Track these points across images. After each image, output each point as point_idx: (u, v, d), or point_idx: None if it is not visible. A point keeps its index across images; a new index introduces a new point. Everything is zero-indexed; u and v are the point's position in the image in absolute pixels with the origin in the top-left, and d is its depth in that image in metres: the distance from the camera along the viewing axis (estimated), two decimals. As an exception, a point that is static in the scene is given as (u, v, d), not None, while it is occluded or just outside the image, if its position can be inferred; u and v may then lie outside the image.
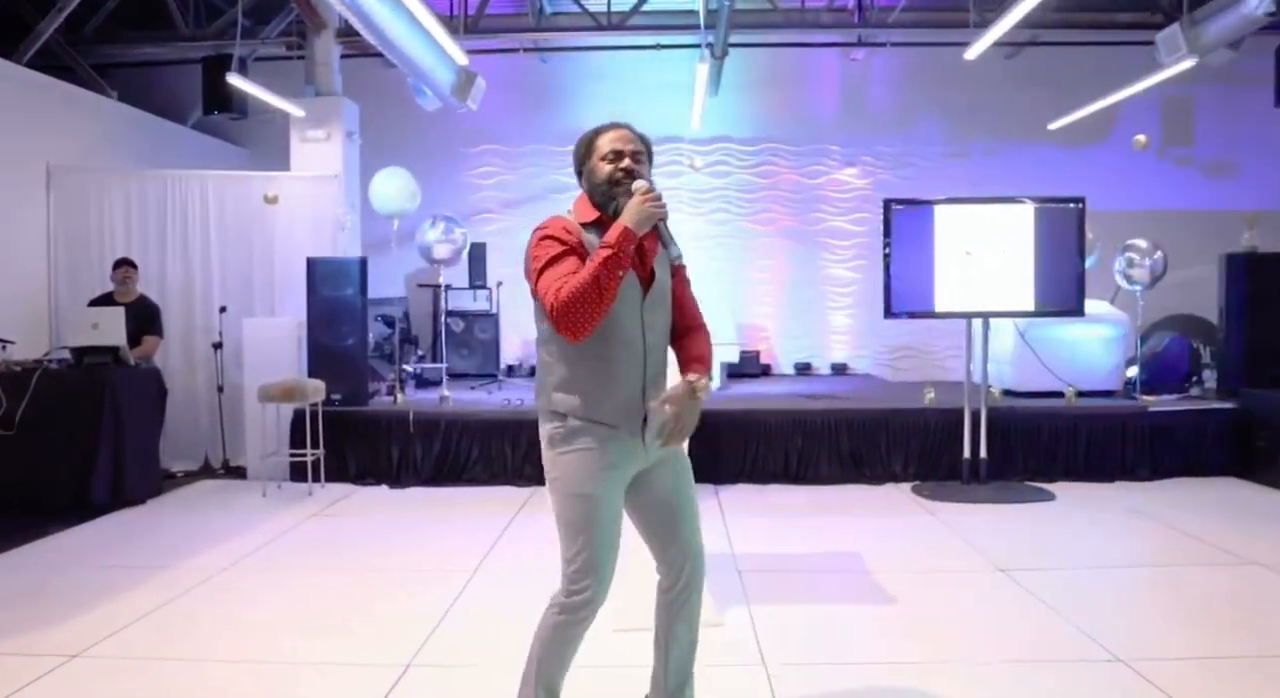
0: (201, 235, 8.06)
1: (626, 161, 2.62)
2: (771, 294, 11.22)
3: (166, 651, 3.80)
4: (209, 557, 5.19)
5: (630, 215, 2.49)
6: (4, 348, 6.54)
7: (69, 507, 6.07)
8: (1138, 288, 8.13)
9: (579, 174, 2.73)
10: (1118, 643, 3.75)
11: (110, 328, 6.53)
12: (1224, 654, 3.67)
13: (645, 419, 2.62)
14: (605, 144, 2.65)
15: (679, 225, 10.86)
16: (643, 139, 2.72)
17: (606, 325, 2.51)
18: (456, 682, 3.50)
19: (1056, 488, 6.80)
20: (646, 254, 2.63)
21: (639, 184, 2.55)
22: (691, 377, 2.59)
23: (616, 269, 2.44)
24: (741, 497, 6.75)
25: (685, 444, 2.74)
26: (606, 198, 2.61)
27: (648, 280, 2.63)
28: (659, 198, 2.52)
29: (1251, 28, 7.55)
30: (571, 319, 2.45)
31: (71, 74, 8.98)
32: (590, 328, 2.47)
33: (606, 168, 2.62)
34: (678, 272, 2.76)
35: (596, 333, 2.51)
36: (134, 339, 6.88)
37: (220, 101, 8.98)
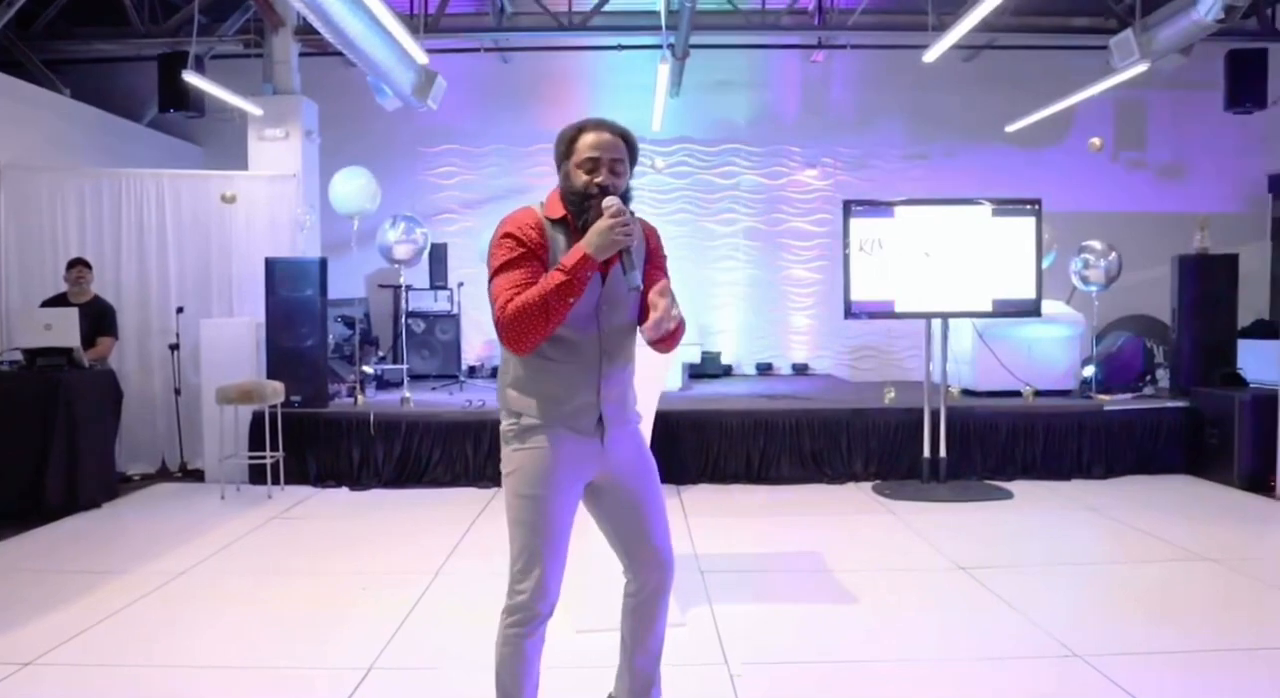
0: (158, 235, 7.95)
1: (602, 175, 2.49)
2: (733, 295, 11.26)
3: (123, 657, 3.75)
4: (166, 561, 5.12)
5: (593, 240, 2.39)
6: (-47, 350, 6.42)
7: (22, 511, 5.96)
8: (1093, 289, 8.25)
9: (558, 167, 2.62)
10: (1075, 639, 3.81)
11: (64, 329, 6.42)
12: (1179, 649, 3.73)
13: (601, 421, 2.56)
14: (584, 149, 2.52)
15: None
16: (626, 138, 2.58)
17: (565, 326, 2.47)
18: (419, 684, 3.49)
19: (1015, 486, 6.89)
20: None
21: (609, 203, 2.43)
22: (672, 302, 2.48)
23: (568, 295, 2.38)
24: (703, 497, 6.77)
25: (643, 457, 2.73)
26: (577, 208, 2.51)
27: (605, 278, 2.54)
28: (627, 224, 2.40)
29: (1202, 33, 7.68)
30: (515, 335, 2.41)
31: (23, 70, 8.81)
32: (533, 345, 2.44)
33: (582, 178, 2.51)
34: (653, 257, 2.67)
35: (556, 333, 2.48)
36: (88, 340, 6.78)
37: (177, 99, 8.86)
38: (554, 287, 2.38)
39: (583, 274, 2.39)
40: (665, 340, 2.57)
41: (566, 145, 2.56)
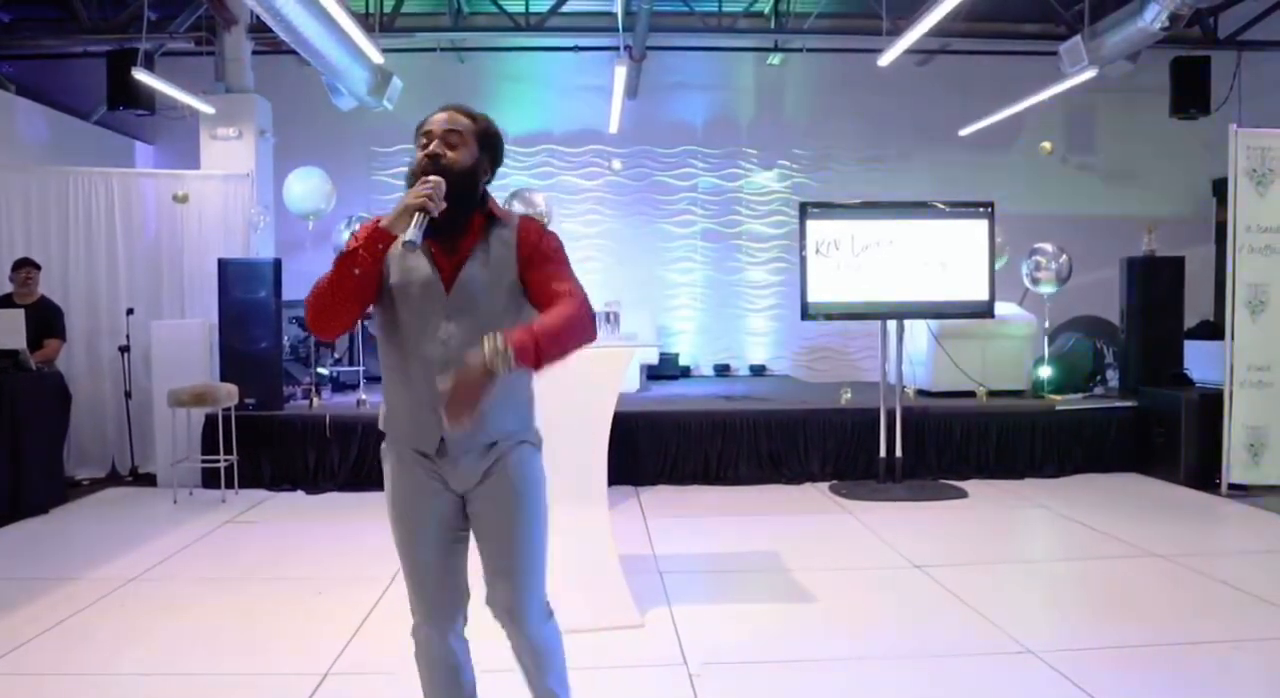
0: (107, 235, 7.81)
1: (435, 145, 2.27)
2: (691, 296, 11.30)
3: (71, 665, 3.68)
4: (116, 567, 5.03)
5: (393, 211, 2.20)
6: (-106, 352, 6.25)
7: (-35, 517, 5.84)
8: (1045, 290, 8.38)
9: None
10: (1028, 635, 3.86)
11: (9, 331, 6.28)
12: (1129, 644, 3.79)
13: (443, 440, 2.28)
14: (421, 128, 2.34)
15: (599, 226, 10.91)
16: (470, 115, 2.36)
17: (399, 334, 2.29)
18: (375, 691, 3.46)
19: (969, 485, 6.98)
20: (443, 254, 2.30)
21: (433, 178, 2.21)
22: (488, 342, 2.06)
23: (351, 267, 2.19)
24: (661, 498, 6.79)
25: (523, 473, 2.38)
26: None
27: (451, 281, 2.28)
28: (431, 185, 2.18)
29: (1149, 41, 7.84)
30: (311, 317, 2.26)
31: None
32: (328, 326, 2.28)
33: (416, 155, 2.30)
34: (533, 257, 2.34)
35: (390, 342, 2.32)
36: (34, 342, 6.63)
37: (126, 97, 8.69)
38: (337, 258, 2.23)
39: (370, 244, 2.19)
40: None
41: (415, 139, 2.37)
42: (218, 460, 6.84)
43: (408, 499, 2.37)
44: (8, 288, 7.09)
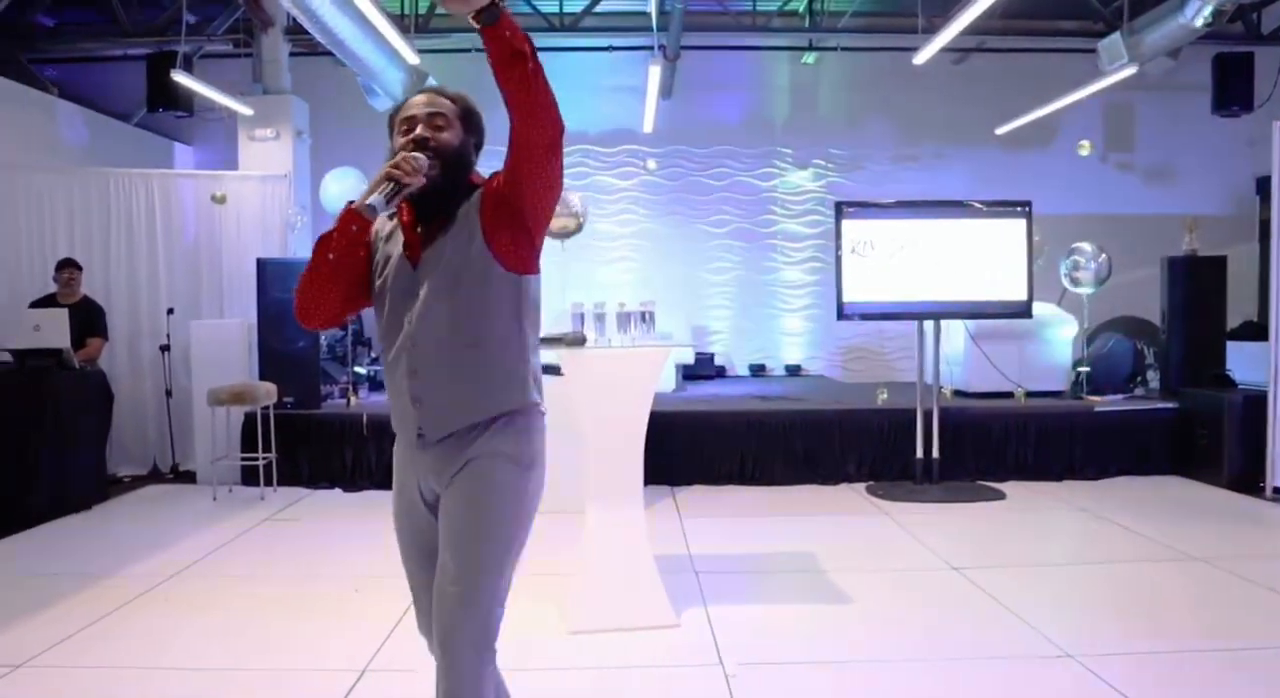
0: (147, 236, 7.92)
1: (419, 130, 2.17)
2: (726, 296, 11.27)
3: (114, 660, 3.73)
4: (158, 563, 5.10)
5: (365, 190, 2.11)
6: (-58, 351, 6.38)
7: (9, 514, 5.90)
8: (1084, 290, 8.28)
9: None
10: (1068, 639, 3.82)
11: (53, 330, 6.38)
12: (1170, 649, 3.74)
13: (421, 433, 2.19)
14: (400, 114, 2.23)
15: (633, 226, 10.91)
16: (452, 97, 2.26)
17: (382, 323, 2.22)
18: (414, 686, 3.47)
19: (1007, 487, 6.91)
20: (417, 235, 2.20)
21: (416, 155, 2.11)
22: None
23: (325, 251, 2.13)
24: (696, 497, 6.77)
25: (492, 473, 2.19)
26: None
27: (418, 257, 2.18)
28: (409, 158, 2.09)
29: (1190, 37, 7.74)
30: (296, 304, 2.20)
31: (8, 69, 8.76)
32: (310, 314, 2.20)
33: (399, 142, 2.19)
34: (495, 191, 2.17)
35: (380, 336, 2.25)
36: (78, 341, 6.74)
37: (166, 99, 8.82)
38: (316, 241, 2.18)
39: (344, 225, 2.12)
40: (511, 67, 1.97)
41: (389, 126, 2.28)
42: (256, 458, 6.91)
43: (397, 494, 2.32)
44: (51, 288, 7.20)
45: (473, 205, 2.18)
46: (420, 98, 2.23)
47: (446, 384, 2.16)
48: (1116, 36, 8.07)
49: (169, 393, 7.60)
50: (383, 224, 2.29)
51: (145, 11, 9.43)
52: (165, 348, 7.56)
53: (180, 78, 7.91)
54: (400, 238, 2.22)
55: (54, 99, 8.88)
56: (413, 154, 2.10)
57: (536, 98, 2.00)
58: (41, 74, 9.28)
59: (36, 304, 7.03)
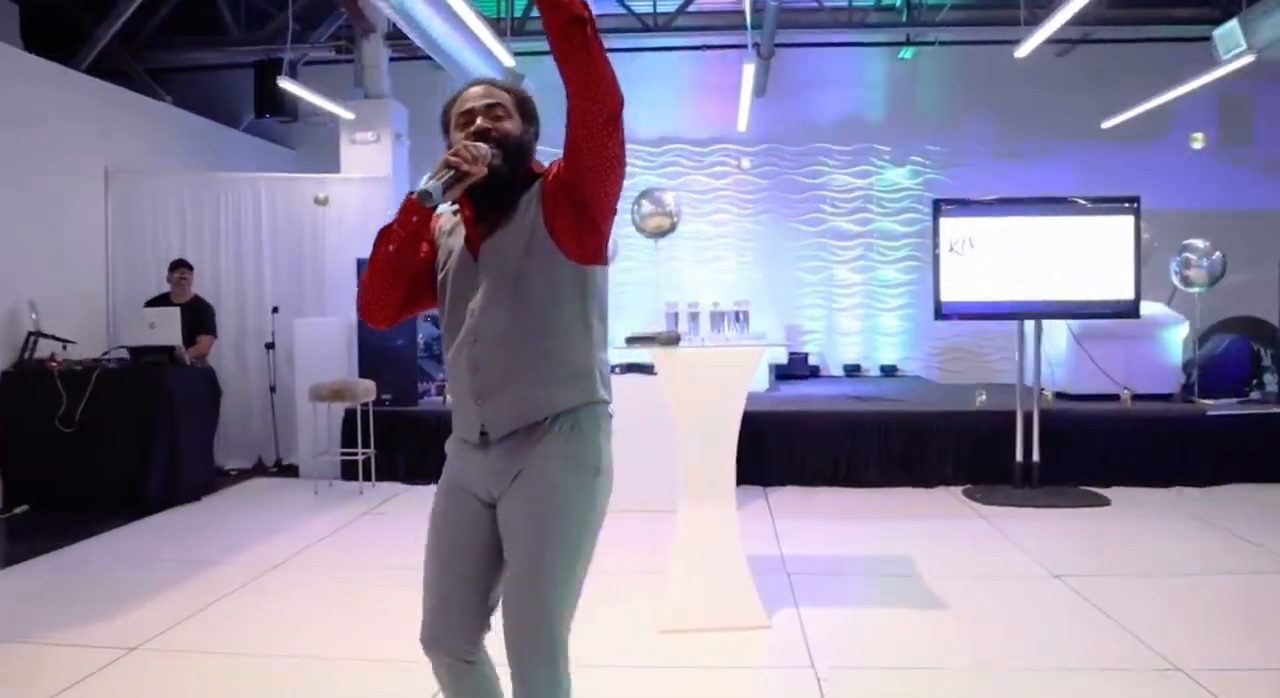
0: (254, 236, 8.17)
1: (479, 121, 2.11)
2: (820, 295, 11.16)
3: (222, 645, 3.86)
4: (262, 553, 5.27)
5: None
6: (64, 348, 6.67)
7: (125, 503, 6.18)
8: (1195, 289, 7.97)
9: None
10: (1177, 652, 3.67)
11: (166, 328, 6.64)
12: (1287, 664, 3.57)
13: (484, 431, 2.10)
14: (457, 108, 2.16)
15: (727, 225, 10.88)
16: (506, 88, 2.19)
17: (445, 319, 2.18)
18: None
19: (1111, 493, 6.68)
20: (478, 226, 2.14)
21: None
22: None
23: (385, 243, 2.09)
24: (789, 499, 6.71)
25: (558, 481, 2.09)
26: None
27: (479, 249, 2.12)
28: (472, 146, 2.02)
29: (1313, 22, 7.37)
30: (360, 301, 2.19)
31: (128, 79, 9.15)
32: (373, 311, 2.18)
33: (459, 136, 2.12)
34: (555, 179, 2.09)
35: (443, 329, 2.19)
36: (189, 339, 7.00)
37: (271, 105, 9.12)
38: (377, 235, 2.12)
39: (404, 218, 2.07)
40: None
41: (443, 121, 2.22)
42: (356, 454, 7.07)
43: (444, 495, 2.23)
44: (165, 287, 7.49)
45: (534, 194, 2.11)
46: (475, 90, 2.17)
47: (509, 379, 2.07)
48: (1233, 23, 7.74)
49: (273, 389, 7.84)
50: (446, 219, 2.25)
51: (253, 22, 9.77)
52: (270, 345, 7.80)
53: (286, 84, 8.16)
54: (462, 231, 2.16)
55: (168, 106, 9.23)
56: (474, 143, 2.03)
57: (596, 67, 1.90)
58: (156, 83, 9.65)
59: (151, 303, 7.32)
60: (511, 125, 2.13)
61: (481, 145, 2.03)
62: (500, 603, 2.12)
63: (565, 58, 1.90)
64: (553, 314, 2.09)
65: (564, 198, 2.07)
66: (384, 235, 2.09)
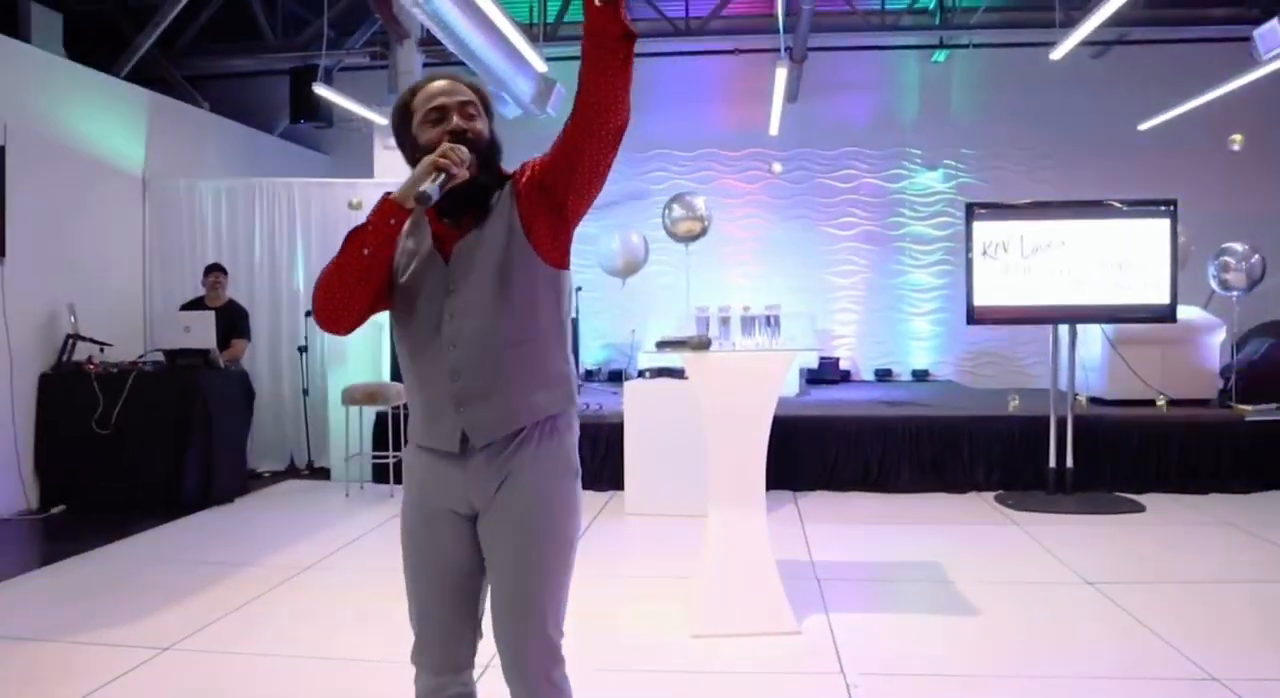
0: (288, 241, 8.25)
1: (455, 120, 2.03)
2: (852, 299, 11.11)
3: (254, 645, 3.89)
4: (294, 554, 5.31)
5: (405, 182, 1.97)
6: (102, 350, 6.78)
7: (160, 504, 6.26)
8: (1233, 293, 7.86)
9: (403, 154, 2.13)
10: (1213, 661, 3.61)
11: (201, 331, 6.72)
12: (1327, 675, 3.51)
13: (465, 437, 2.03)
14: (423, 103, 2.06)
15: (759, 229, 10.85)
16: (471, 84, 2.11)
17: (409, 324, 2.08)
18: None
19: (1146, 499, 6.60)
20: (445, 228, 2.08)
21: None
22: None
23: (359, 245, 1.96)
24: (820, 504, 6.68)
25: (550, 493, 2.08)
26: None
27: (450, 251, 2.05)
28: (456, 149, 1.95)
29: (1355, 22, 7.26)
30: (317, 306, 2.03)
31: (166, 85, 9.27)
32: (336, 317, 2.03)
33: (430, 132, 2.04)
34: (530, 179, 2.06)
35: (402, 339, 2.12)
36: (223, 342, 7.07)
37: (307, 111, 9.23)
38: (347, 236, 1.99)
39: (380, 219, 1.96)
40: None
41: (401, 114, 2.11)
42: (387, 457, 7.12)
43: (417, 513, 2.14)
44: (200, 291, 7.58)
45: (506, 196, 2.07)
46: (441, 84, 2.08)
47: (494, 385, 2.02)
48: (1274, 23, 7.62)
49: (306, 392, 7.90)
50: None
51: (289, 29, 9.87)
52: (303, 349, 7.87)
53: (321, 90, 8.23)
54: (426, 232, 2.08)
55: (205, 112, 9.35)
56: (457, 146, 1.97)
57: (624, 83, 1.90)
58: (194, 90, 9.78)
59: (186, 307, 7.42)
60: (482, 125, 2.08)
61: (463, 149, 1.97)
62: (493, 613, 2.10)
63: (601, 70, 1.88)
64: (534, 319, 2.05)
65: (541, 201, 2.05)
66: (356, 238, 1.98)
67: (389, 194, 1.97)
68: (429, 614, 2.14)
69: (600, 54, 1.86)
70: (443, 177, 1.91)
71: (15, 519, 6.22)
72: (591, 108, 1.90)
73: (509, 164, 2.16)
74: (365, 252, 1.95)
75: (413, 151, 2.06)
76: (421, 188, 1.89)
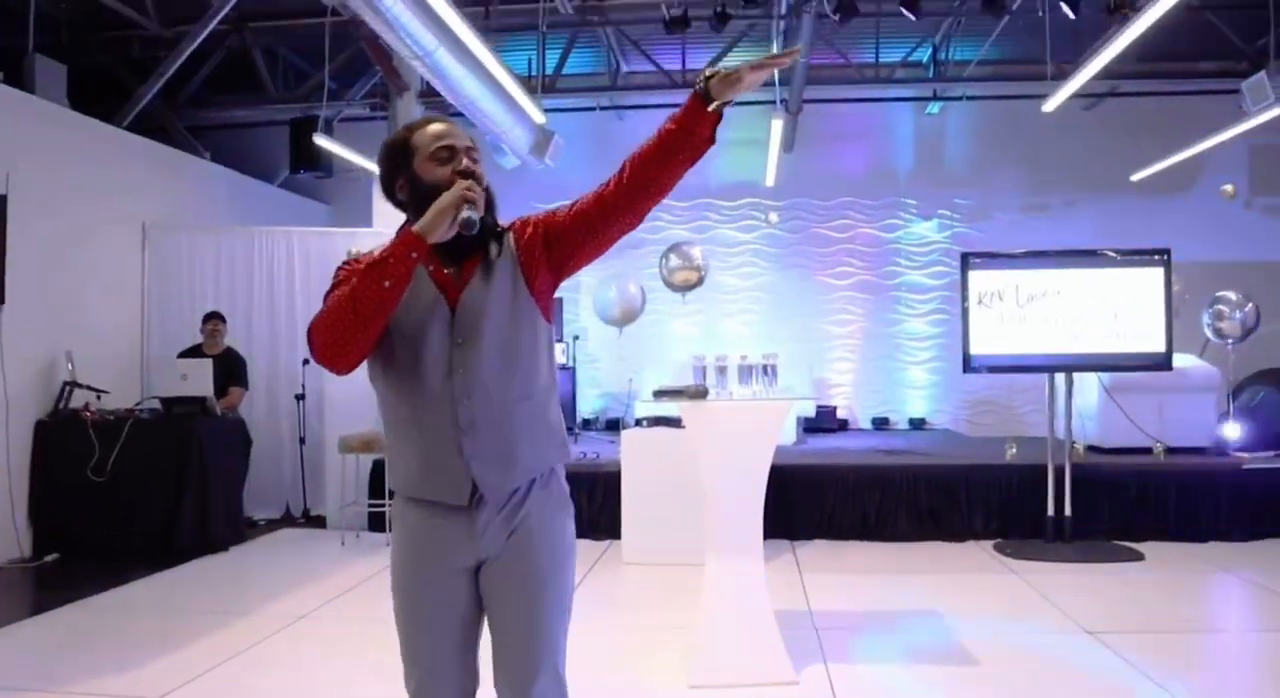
0: (286, 289, 8.28)
1: (465, 162, 2.04)
2: (848, 348, 11.13)
3: (249, 695, 3.86)
4: (289, 603, 5.27)
5: (425, 217, 1.94)
6: (99, 398, 6.77)
7: (155, 552, 6.22)
8: (1228, 341, 7.89)
9: (390, 192, 2.13)
10: (1215, 711, 3.59)
11: (198, 379, 6.73)
12: (1330, 725, 3.48)
13: (476, 491, 2.02)
14: (428, 141, 2.05)
15: (755, 279, 10.91)
16: (466, 133, 2.13)
17: (402, 375, 2.03)
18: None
19: (1145, 548, 6.57)
20: (445, 275, 2.06)
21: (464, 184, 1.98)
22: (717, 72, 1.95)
23: (381, 278, 1.89)
24: (817, 553, 6.65)
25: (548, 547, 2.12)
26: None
27: (456, 300, 2.03)
28: (472, 187, 1.97)
29: (1342, 75, 7.38)
30: (320, 341, 1.95)
31: (167, 135, 9.36)
32: (343, 353, 1.95)
33: (436, 170, 2.03)
34: (533, 237, 2.11)
35: (394, 387, 2.06)
36: (220, 390, 7.08)
37: (307, 161, 9.31)
38: (364, 268, 1.92)
39: (402, 251, 1.91)
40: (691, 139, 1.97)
41: (400, 151, 2.09)
42: (383, 505, 7.08)
43: (417, 568, 2.11)
44: (198, 339, 7.59)
45: (508, 249, 2.09)
46: (443, 126, 2.09)
47: (509, 440, 2.04)
48: (1262, 76, 7.74)
49: (303, 440, 7.89)
50: None
51: (290, 81, 10.00)
52: (300, 397, 7.87)
53: (321, 141, 8.32)
54: (425, 277, 2.03)
55: (206, 162, 9.43)
56: (473, 184, 2.00)
57: (681, 175, 2.03)
58: (195, 139, 9.88)
59: (184, 354, 7.42)
60: (482, 170, 2.09)
61: (480, 189, 2.01)
62: (499, 656, 2.12)
63: (673, 159, 1.99)
64: (537, 372, 2.10)
65: (543, 257, 2.10)
66: (377, 270, 1.90)
67: (409, 227, 1.96)
68: (433, 668, 2.12)
69: (680, 146, 1.98)
70: (468, 207, 1.94)
71: (9, 567, 6.17)
72: (643, 188, 2.00)
73: (523, 208, 2.23)
74: (386, 284, 1.90)
75: (412, 188, 2.06)
76: (465, 214, 1.92)
